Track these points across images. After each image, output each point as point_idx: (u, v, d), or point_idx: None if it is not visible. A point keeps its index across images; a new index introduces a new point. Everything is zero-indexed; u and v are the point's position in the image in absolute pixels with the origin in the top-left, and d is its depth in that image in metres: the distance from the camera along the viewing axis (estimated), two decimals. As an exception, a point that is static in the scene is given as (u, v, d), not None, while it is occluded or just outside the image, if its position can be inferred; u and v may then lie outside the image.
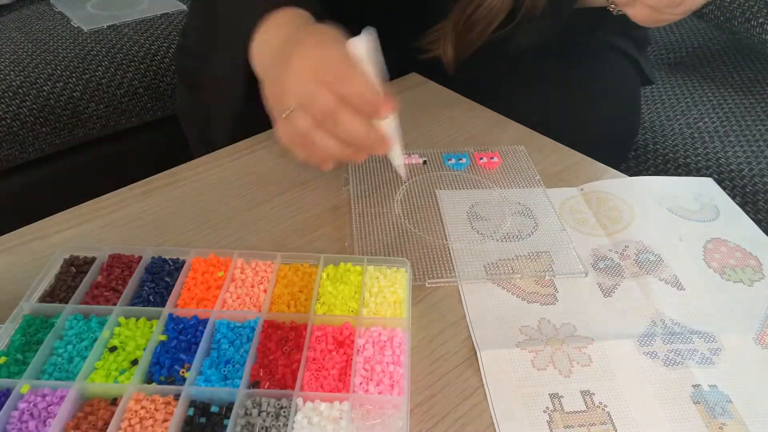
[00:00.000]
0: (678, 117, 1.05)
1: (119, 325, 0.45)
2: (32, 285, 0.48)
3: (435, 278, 0.52)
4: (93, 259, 0.51)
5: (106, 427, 0.38)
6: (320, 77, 0.48)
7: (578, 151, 0.68)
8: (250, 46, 0.56)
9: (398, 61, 0.82)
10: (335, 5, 0.80)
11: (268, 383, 0.42)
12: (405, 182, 0.59)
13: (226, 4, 0.64)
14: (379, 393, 0.41)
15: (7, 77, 1.11)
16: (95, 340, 0.44)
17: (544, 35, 0.75)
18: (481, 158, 0.66)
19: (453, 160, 0.66)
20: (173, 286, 0.48)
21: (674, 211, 0.60)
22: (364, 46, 0.48)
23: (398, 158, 0.54)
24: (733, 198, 0.61)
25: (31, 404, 0.40)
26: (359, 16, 0.82)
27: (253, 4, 0.58)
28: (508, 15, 0.73)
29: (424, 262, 0.54)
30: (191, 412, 0.40)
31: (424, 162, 0.65)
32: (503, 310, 0.50)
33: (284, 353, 0.44)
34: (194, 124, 0.84)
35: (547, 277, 0.53)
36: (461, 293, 0.51)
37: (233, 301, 0.48)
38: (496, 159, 0.66)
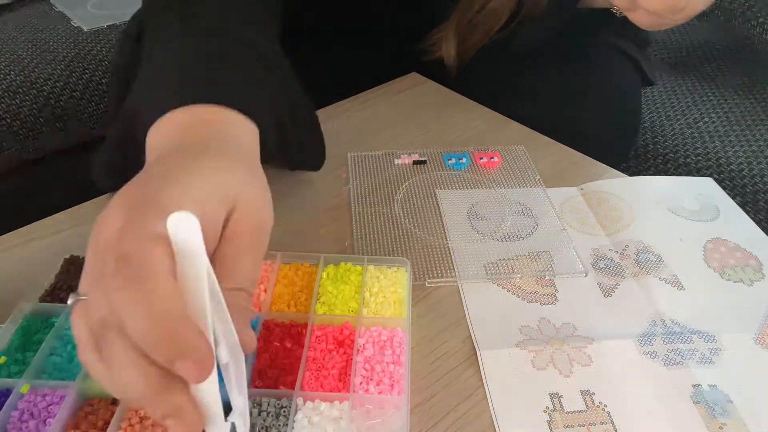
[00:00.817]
0: (678, 117, 1.05)
1: (119, 324, 0.45)
2: (32, 285, 0.48)
3: (435, 278, 0.52)
4: (93, 259, 0.51)
5: (106, 427, 0.38)
6: (114, 262, 0.28)
7: (579, 151, 0.68)
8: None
9: (400, 62, 0.82)
10: (338, 7, 0.80)
11: (268, 383, 0.42)
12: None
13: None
14: (380, 393, 0.41)
15: (7, 77, 1.11)
16: (95, 339, 0.44)
17: (545, 35, 0.75)
18: (481, 158, 0.66)
19: (453, 160, 0.66)
20: (173, 285, 0.48)
21: (674, 211, 0.60)
22: (184, 223, 0.28)
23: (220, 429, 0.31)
24: (733, 198, 0.61)
25: (31, 404, 0.40)
26: (361, 18, 0.83)
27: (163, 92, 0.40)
28: (510, 16, 0.73)
29: (425, 261, 0.54)
30: (191, 411, 0.40)
31: (420, 162, 0.65)
32: (503, 310, 0.50)
33: (284, 353, 0.43)
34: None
35: (547, 277, 0.53)
36: (461, 293, 0.51)
37: (233, 300, 0.48)
38: (496, 159, 0.66)
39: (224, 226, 0.32)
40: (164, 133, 0.37)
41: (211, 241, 0.32)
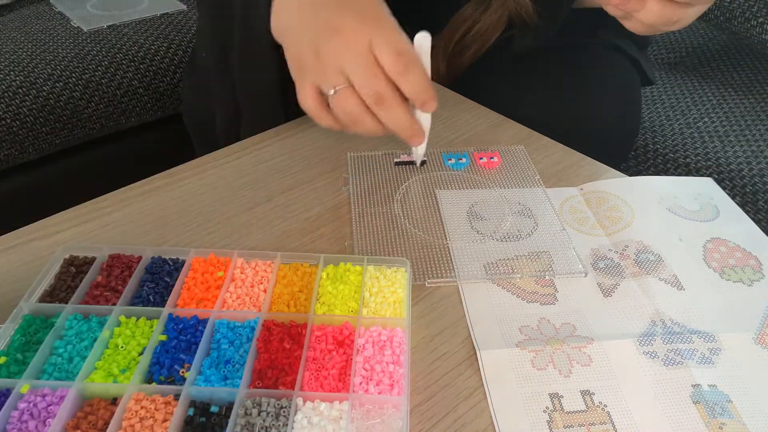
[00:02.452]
0: (678, 117, 1.05)
1: (119, 324, 0.45)
2: (32, 285, 0.48)
3: (435, 278, 0.52)
4: (93, 259, 0.51)
5: (106, 427, 0.39)
6: (371, 59, 0.48)
7: (578, 151, 0.68)
8: (269, 11, 0.55)
9: None
10: None
11: (267, 383, 0.42)
12: (420, 166, 0.62)
13: None
14: (379, 393, 0.41)
15: (7, 77, 1.11)
16: (95, 339, 0.44)
17: (541, 38, 0.75)
18: (481, 158, 0.66)
19: (453, 160, 0.66)
20: (173, 285, 0.48)
21: (674, 211, 0.60)
22: (425, 42, 0.50)
23: (422, 149, 0.57)
24: (733, 198, 0.61)
25: (31, 404, 0.40)
26: None
27: None
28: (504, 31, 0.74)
29: (424, 261, 0.54)
30: (191, 411, 0.40)
31: (422, 163, 0.65)
32: (503, 310, 0.50)
33: (284, 353, 0.44)
34: (201, 127, 0.83)
35: (547, 277, 0.53)
36: (461, 293, 0.51)
37: (233, 300, 0.48)
38: (495, 159, 0.66)
39: None
40: None
41: None
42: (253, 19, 0.59)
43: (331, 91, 0.50)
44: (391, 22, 0.50)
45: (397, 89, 0.50)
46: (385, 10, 0.51)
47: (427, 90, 0.50)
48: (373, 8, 0.51)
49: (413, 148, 0.58)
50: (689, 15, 0.47)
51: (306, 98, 0.52)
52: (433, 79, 0.79)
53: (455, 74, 0.79)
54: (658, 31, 0.53)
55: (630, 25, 0.49)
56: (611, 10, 0.47)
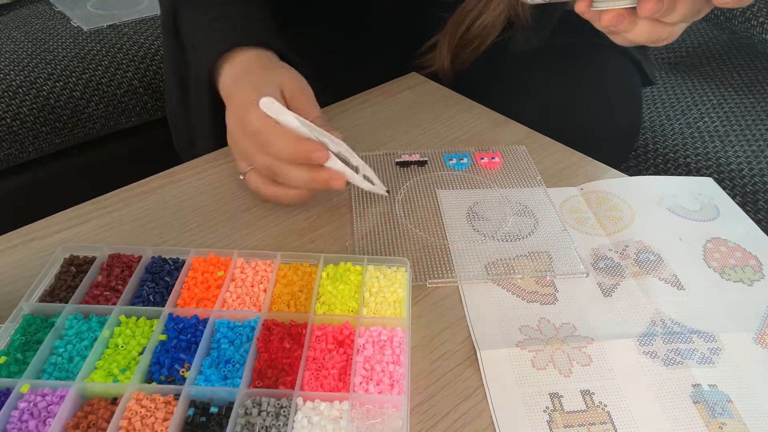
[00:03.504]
0: (678, 117, 1.05)
1: (119, 324, 0.45)
2: (32, 285, 0.48)
3: (435, 278, 0.52)
4: (93, 259, 0.51)
5: (106, 427, 0.39)
6: (252, 143, 0.54)
7: (579, 151, 0.68)
8: (216, 76, 0.63)
9: (400, 63, 0.82)
10: (331, 24, 0.82)
11: (267, 383, 0.42)
12: (386, 193, 0.60)
13: (192, 36, 0.69)
14: (379, 393, 0.41)
15: (7, 77, 1.11)
16: (95, 339, 0.44)
17: (536, 39, 0.75)
18: (482, 158, 0.66)
19: (454, 160, 0.66)
20: (173, 285, 0.48)
21: (674, 211, 0.60)
22: (267, 107, 0.52)
23: (362, 183, 0.56)
24: (733, 198, 0.61)
25: (31, 404, 0.40)
26: (357, 31, 0.83)
27: (218, 39, 0.63)
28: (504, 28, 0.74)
29: (425, 262, 0.54)
30: (191, 411, 0.40)
31: (421, 162, 0.65)
32: (503, 310, 0.50)
33: (284, 353, 0.44)
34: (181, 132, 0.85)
35: (547, 278, 0.53)
36: (461, 293, 0.51)
37: (233, 300, 0.48)
38: (497, 159, 0.66)
39: (284, 96, 0.57)
40: (238, 59, 0.61)
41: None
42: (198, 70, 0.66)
43: (240, 177, 0.58)
44: (255, 103, 0.53)
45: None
46: (256, 88, 0.56)
47: (296, 149, 0.52)
48: (242, 91, 0.57)
49: (364, 184, 0.57)
50: (676, 32, 0.48)
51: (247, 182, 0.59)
52: (437, 74, 0.80)
53: (459, 69, 0.79)
54: (643, 45, 0.54)
55: (617, 40, 0.50)
56: (600, 27, 0.47)
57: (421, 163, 0.65)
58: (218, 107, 0.62)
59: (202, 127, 0.71)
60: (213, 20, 0.65)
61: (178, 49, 0.72)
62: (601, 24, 0.47)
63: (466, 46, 0.77)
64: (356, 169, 0.56)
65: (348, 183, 0.55)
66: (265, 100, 0.52)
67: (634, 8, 0.45)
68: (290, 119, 0.52)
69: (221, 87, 0.61)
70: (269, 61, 0.61)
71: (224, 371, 0.42)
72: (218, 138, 0.65)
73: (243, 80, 0.58)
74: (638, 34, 0.47)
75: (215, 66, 0.62)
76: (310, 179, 0.54)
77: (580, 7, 0.47)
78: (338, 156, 0.54)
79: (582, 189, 0.62)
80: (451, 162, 0.65)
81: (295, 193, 0.55)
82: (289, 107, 0.54)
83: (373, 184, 0.57)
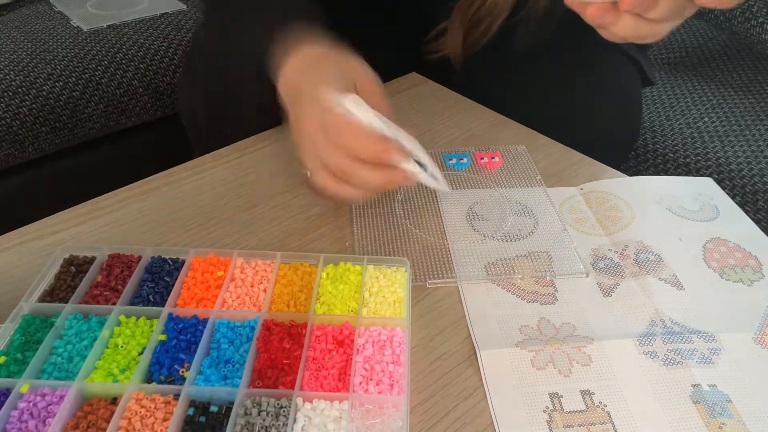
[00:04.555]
0: (678, 117, 1.05)
1: (119, 324, 0.45)
2: (32, 285, 0.48)
3: (435, 278, 0.52)
4: (93, 259, 0.51)
5: (106, 427, 0.38)
6: (328, 140, 0.52)
7: (579, 151, 0.68)
8: (276, 72, 0.59)
9: (400, 61, 0.82)
10: (338, 7, 0.81)
11: (267, 383, 0.42)
12: (451, 192, 0.60)
13: (240, 25, 0.66)
14: (379, 393, 0.41)
15: (7, 77, 1.11)
16: (95, 339, 0.44)
17: (541, 34, 0.75)
18: (482, 158, 0.66)
19: (454, 160, 0.66)
20: (173, 285, 0.48)
21: (674, 211, 0.60)
22: (351, 105, 0.51)
23: (429, 182, 0.54)
24: (733, 198, 0.61)
25: (31, 404, 0.40)
26: (362, 17, 0.83)
27: (265, 29, 0.60)
28: (513, 11, 0.74)
29: (425, 262, 0.54)
30: (191, 411, 0.40)
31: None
32: (503, 310, 0.50)
33: (284, 353, 0.44)
34: (195, 126, 0.84)
35: (547, 278, 0.53)
36: (461, 293, 0.51)
37: (233, 300, 0.48)
38: (497, 159, 0.66)
39: (357, 89, 0.54)
40: (304, 51, 0.58)
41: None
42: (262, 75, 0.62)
43: (308, 173, 0.55)
44: (336, 102, 0.52)
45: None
46: (330, 83, 0.53)
47: (375, 147, 0.51)
48: (316, 88, 0.54)
49: (429, 182, 0.55)
50: (662, 30, 0.48)
51: (309, 183, 0.57)
52: (448, 56, 0.80)
53: (469, 52, 0.78)
54: (630, 42, 0.54)
55: (605, 34, 0.50)
56: (587, 20, 0.48)
57: (422, 163, 0.65)
58: (266, 96, 0.59)
59: (241, 117, 0.70)
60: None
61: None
62: (587, 16, 0.47)
63: (476, 25, 0.76)
64: (425, 167, 0.54)
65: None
66: (351, 98, 0.51)
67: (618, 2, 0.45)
68: (372, 118, 0.51)
69: (283, 78, 0.58)
70: (338, 54, 0.58)
71: (224, 371, 0.42)
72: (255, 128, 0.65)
73: (315, 74, 0.56)
74: (623, 28, 0.48)
75: (274, 54, 0.59)
76: (385, 181, 0.52)
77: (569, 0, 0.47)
78: (410, 154, 0.53)
79: (582, 189, 0.62)
80: (451, 162, 0.65)
81: (364, 194, 0.54)
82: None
83: (437, 180, 0.55)
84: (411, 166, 0.52)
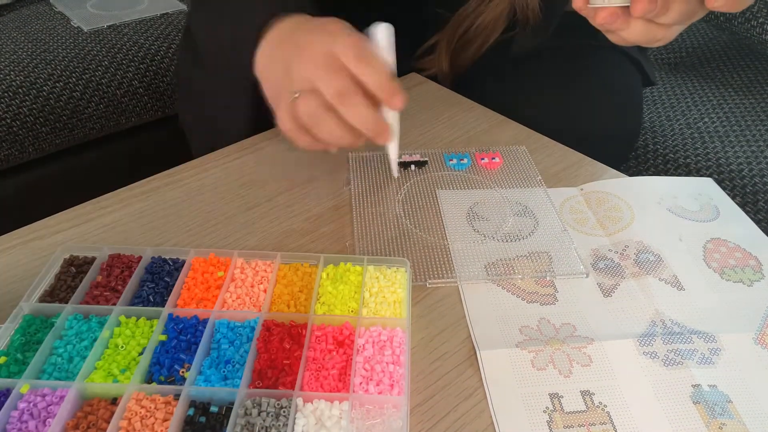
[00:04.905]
0: (678, 117, 1.05)
1: (119, 324, 0.45)
2: (32, 285, 0.48)
3: (435, 278, 0.52)
4: (93, 259, 0.51)
5: (106, 427, 0.38)
6: (334, 61, 0.49)
7: (580, 152, 0.67)
8: (253, 57, 0.57)
9: (400, 61, 0.82)
10: (338, 9, 0.81)
11: (267, 383, 0.42)
12: (396, 178, 0.61)
13: (227, 19, 0.65)
14: (379, 393, 0.41)
15: (7, 77, 1.11)
16: (95, 339, 0.44)
17: (538, 39, 0.75)
18: (482, 158, 0.66)
19: (454, 161, 0.66)
20: (173, 285, 0.48)
21: (674, 211, 0.60)
22: (384, 34, 0.49)
23: (394, 152, 0.55)
24: (733, 198, 0.61)
25: (31, 404, 0.40)
26: (362, 17, 0.83)
27: (252, 16, 0.58)
28: (505, 29, 0.74)
29: (425, 262, 0.54)
30: (191, 411, 0.40)
31: (421, 163, 0.65)
32: (503, 310, 0.50)
33: (284, 353, 0.43)
34: (201, 135, 0.84)
35: (547, 278, 0.53)
36: (461, 293, 0.51)
37: (233, 300, 0.48)
38: (497, 159, 0.66)
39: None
40: (279, 25, 0.56)
41: None
42: (240, 56, 0.60)
43: (296, 95, 0.51)
44: (353, 32, 0.51)
45: (361, 87, 0.50)
46: (348, 26, 0.53)
47: (390, 82, 0.49)
48: (335, 24, 0.53)
49: (388, 155, 0.57)
50: (671, 34, 0.48)
51: (283, 122, 0.54)
52: (436, 76, 0.80)
53: (458, 72, 0.79)
54: (639, 45, 0.54)
55: (614, 38, 0.50)
56: (597, 24, 0.48)
57: (422, 164, 0.65)
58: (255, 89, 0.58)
59: (235, 111, 0.68)
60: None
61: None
62: (596, 21, 0.47)
63: (466, 46, 0.77)
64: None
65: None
66: (385, 25, 0.50)
67: (629, 7, 0.45)
68: (390, 59, 0.50)
69: (262, 47, 0.56)
70: (316, 19, 0.56)
71: (224, 371, 0.42)
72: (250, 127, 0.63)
73: (306, 27, 0.54)
74: (633, 33, 0.48)
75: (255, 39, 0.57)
76: (373, 120, 0.50)
77: (577, 3, 0.47)
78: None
79: (582, 189, 0.62)
80: (451, 162, 0.65)
81: (341, 134, 0.51)
82: None
83: (391, 160, 0.58)
84: (393, 123, 0.52)
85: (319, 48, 0.50)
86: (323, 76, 0.49)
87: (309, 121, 0.51)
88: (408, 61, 0.82)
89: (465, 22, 0.74)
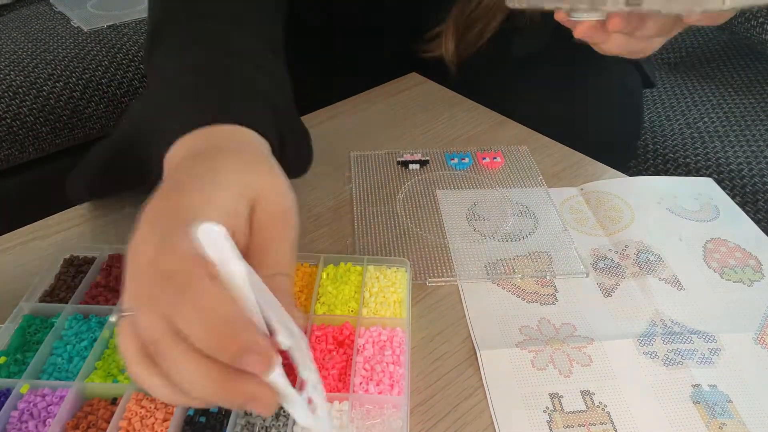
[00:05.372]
0: (678, 117, 1.05)
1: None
2: (32, 285, 0.48)
3: (436, 277, 0.52)
4: (93, 259, 0.51)
5: (106, 427, 0.38)
6: (162, 282, 0.30)
7: (581, 153, 0.68)
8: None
9: (398, 61, 0.82)
10: (339, 7, 0.80)
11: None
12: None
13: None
14: (379, 393, 0.41)
15: (7, 77, 1.11)
16: (95, 339, 0.44)
17: (541, 40, 0.75)
18: (484, 158, 0.66)
19: (455, 160, 0.66)
20: (173, 285, 0.48)
21: (674, 211, 0.60)
22: (211, 237, 0.30)
23: (298, 412, 0.32)
24: (733, 198, 0.61)
25: (31, 404, 0.40)
26: (358, 17, 0.83)
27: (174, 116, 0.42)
28: (509, 16, 0.74)
29: (426, 261, 0.54)
30: (191, 411, 0.40)
31: (422, 162, 0.65)
32: (503, 310, 0.50)
33: (284, 353, 0.43)
34: None
35: (547, 278, 0.53)
36: (461, 293, 0.51)
37: (233, 300, 0.48)
38: (498, 159, 0.66)
39: (251, 219, 0.34)
40: (182, 145, 0.39)
41: (242, 234, 0.34)
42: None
43: (111, 318, 0.38)
44: (191, 204, 0.33)
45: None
46: (226, 180, 0.35)
47: (227, 331, 0.29)
48: (203, 185, 0.35)
49: (301, 414, 0.33)
50: (652, 46, 0.49)
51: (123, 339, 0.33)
52: (442, 58, 0.79)
53: (464, 54, 0.78)
54: (622, 56, 0.54)
55: (597, 49, 0.51)
56: (576, 36, 0.48)
57: (423, 163, 0.65)
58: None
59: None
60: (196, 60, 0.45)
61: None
62: (575, 34, 0.47)
63: (471, 26, 0.76)
64: (301, 385, 0.35)
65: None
66: (206, 226, 0.30)
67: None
68: (238, 271, 0.30)
69: (168, 158, 0.40)
70: (257, 155, 0.39)
71: (224, 371, 0.42)
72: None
73: (207, 170, 0.35)
74: (613, 46, 0.48)
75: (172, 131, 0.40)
76: (218, 390, 0.29)
77: (559, 16, 0.47)
78: (287, 353, 0.32)
79: (582, 189, 0.62)
80: (452, 162, 0.65)
81: (171, 392, 0.30)
82: (249, 239, 0.34)
83: (315, 415, 0.33)
84: (277, 381, 0.30)
85: (146, 253, 0.32)
86: (147, 300, 0.30)
87: (134, 371, 0.31)
88: (413, 44, 0.82)
89: (472, 2, 0.74)
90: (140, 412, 0.40)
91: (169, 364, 0.29)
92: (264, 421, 0.39)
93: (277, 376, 0.30)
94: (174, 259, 0.30)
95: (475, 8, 0.74)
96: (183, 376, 0.29)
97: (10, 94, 1.10)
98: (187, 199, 0.33)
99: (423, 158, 0.65)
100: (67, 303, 0.46)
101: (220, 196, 0.33)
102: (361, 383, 0.42)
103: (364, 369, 0.43)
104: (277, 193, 0.36)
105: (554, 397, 0.43)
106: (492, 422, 0.42)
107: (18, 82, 1.11)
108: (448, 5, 0.75)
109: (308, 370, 0.33)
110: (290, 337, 0.32)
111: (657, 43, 0.49)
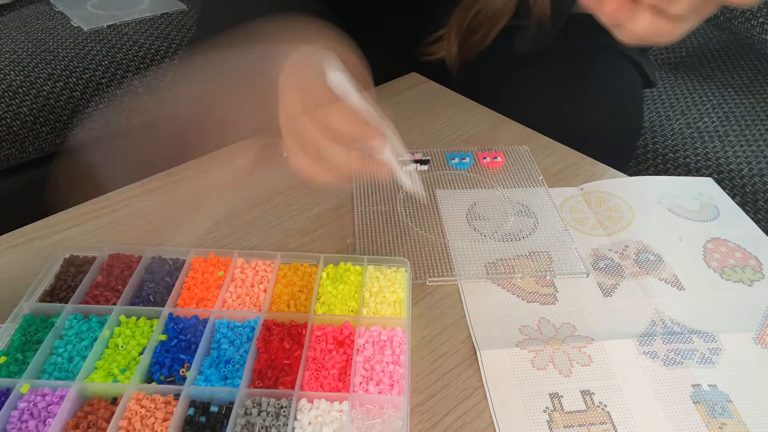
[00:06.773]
0: (678, 117, 1.05)
1: (119, 324, 0.45)
2: (32, 284, 0.48)
3: (436, 277, 0.52)
4: (93, 259, 0.51)
5: (106, 427, 0.38)
6: (306, 114, 0.48)
7: (581, 153, 0.67)
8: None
9: (399, 62, 0.82)
10: (340, 7, 0.80)
11: (267, 383, 0.42)
12: (422, 198, 0.60)
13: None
14: (379, 393, 0.41)
15: (7, 77, 1.11)
16: (95, 339, 0.44)
17: (543, 39, 0.75)
18: (484, 158, 0.66)
19: (456, 160, 0.66)
20: (173, 285, 0.48)
21: (674, 211, 0.60)
22: (338, 80, 0.48)
23: (404, 179, 0.50)
24: (733, 198, 0.61)
25: (31, 404, 0.40)
26: (359, 18, 0.82)
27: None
28: (512, 18, 0.74)
29: (426, 261, 0.54)
30: (191, 411, 0.40)
31: (423, 161, 0.65)
32: (503, 310, 0.50)
33: (284, 353, 0.43)
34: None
35: (547, 277, 0.53)
36: (461, 293, 0.51)
37: (233, 300, 0.48)
38: (499, 159, 0.66)
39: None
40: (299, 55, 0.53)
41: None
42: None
43: (283, 155, 0.53)
44: (318, 80, 0.49)
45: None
46: (317, 70, 0.50)
47: (359, 132, 0.47)
48: (300, 75, 0.51)
49: (405, 181, 0.51)
50: (679, 30, 0.48)
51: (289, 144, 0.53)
52: (444, 60, 0.79)
53: (466, 57, 0.78)
54: (647, 43, 0.54)
55: (620, 35, 0.50)
56: (603, 18, 0.47)
57: (424, 162, 0.65)
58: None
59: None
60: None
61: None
62: (603, 12, 0.47)
63: (474, 31, 0.76)
64: (402, 164, 0.51)
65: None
66: (334, 75, 0.48)
67: None
68: (356, 100, 0.47)
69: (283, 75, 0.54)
70: (324, 33, 0.54)
71: (224, 371, 0.42)
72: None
73: (293, 71, 0.52)
74: (639, 26, 0.47)
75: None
76: (359, 167, 0.48)
77: None
78: (390, 143, 0.50)
79: (582, 189, 0.62)
80: (453, 161, 0.65)
81: (339, 177, 0.49)
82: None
83: (413, 181, 0.52)
84: (389, 156, 0.49)
85: (291, 101, 0.50)
86: (299, 132, 0.49)
87: (304, 176, 0.50)
88: (412, 52, 0.82)
89: (474, 6, 0.74)
90: (140, 412, 0.40)
91: (327, 151, 0.47)
92: (264, 420, 0.39)
93: (389, 153, 0.48)
94: (312, 93, 0.48)
95: (477, 14, 0.74)
96: (333, 155, 0.47)
97: (10, 94, 1.10)
98: (311, 66, 0.49)
99: (424, 157, 0.65)
100: (67, 303, 0.46)
101: (325, 62, 0.49)
102: (361, 383, 0.42)
103: (364, 369, 0.43)
104: (351, 53, 0.52)
105: (554, 396, 0.43)
106: (492, 422, 0.42)
107: (18, 82, 1.11)
108: (448, 6, 0.75)
109: (402, 152, 0.50)
110: (389, 130, 0.49)
111: (683, 28, 0.48)
